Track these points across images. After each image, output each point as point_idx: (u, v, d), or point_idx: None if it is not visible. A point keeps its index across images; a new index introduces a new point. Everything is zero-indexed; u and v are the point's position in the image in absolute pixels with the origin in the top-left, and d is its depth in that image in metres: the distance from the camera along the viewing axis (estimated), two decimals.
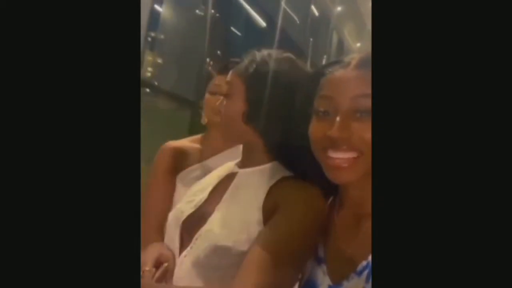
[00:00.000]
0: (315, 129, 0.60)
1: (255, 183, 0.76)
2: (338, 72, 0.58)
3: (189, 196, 0.84)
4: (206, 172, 0.98)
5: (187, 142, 1.22)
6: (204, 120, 1.20)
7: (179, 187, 1.13)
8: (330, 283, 0.58)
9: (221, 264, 0.69)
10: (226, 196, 0.78)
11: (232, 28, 4.67)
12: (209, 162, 1.14)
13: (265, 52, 0.80)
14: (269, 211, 0.69)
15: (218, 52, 3.74)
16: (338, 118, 0.55)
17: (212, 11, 3.48)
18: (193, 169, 1.15)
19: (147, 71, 3.00)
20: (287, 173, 0.75)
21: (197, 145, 1.21)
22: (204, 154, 1.17)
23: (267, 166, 0.78)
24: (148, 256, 0.71)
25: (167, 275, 0.72)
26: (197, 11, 3.51)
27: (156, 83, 3.17)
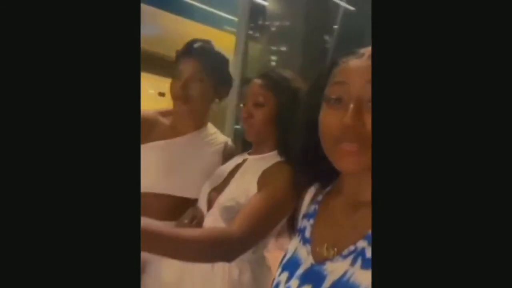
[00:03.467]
0: (327, 117, 0.58)
1: (257, 166, 1.10)
2: (352, 61, 0.58)
3: (214, 175, 1.20)
4: (169, 148, 1.25)
5: (159, 115, 1.32)
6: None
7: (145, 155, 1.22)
8: (313, 262, 0.60)
9: (229, 217, 1.04)
10: (236, 175, 1.14)
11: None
12: (176, 140, 1.28)
13: (284, 72, 1.14)
14: (260, 185, 1.04)
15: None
16: (352, 105, 0.54)
17: None
18: (160, 144, 1.26)
19: (271, 60, 3.12)
20: (281, 159, 1.08)
21: (166, 121, 1.32)
22: (171, 132, 1.29)
23: (268, 154, 1.13)
24: (186, 214, 1.16)
25: (197, 226, 1.12)
26: None
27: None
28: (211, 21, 5.15)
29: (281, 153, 1.10)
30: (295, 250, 0.66)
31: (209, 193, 1.17)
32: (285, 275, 0.63)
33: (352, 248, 0.56)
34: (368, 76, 0.54)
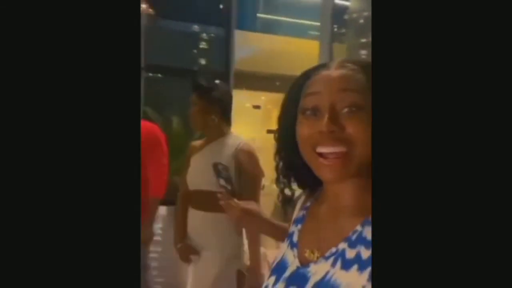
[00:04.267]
0: (303, 128, 0.61)
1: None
2: (323, 72, 0.61)
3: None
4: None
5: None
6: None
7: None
8: (299, 265, 0.63)
9: None
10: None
11: None
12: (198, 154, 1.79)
13: None
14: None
15: None
16: (327, 114, 0.57)
17: None
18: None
19: (362, 55, 3.30)
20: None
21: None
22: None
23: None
24: None
25: None
26: None
27: None
28: (295, 32, 5.58)
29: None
30: (283, 254, 0.69)
31: None
32: (272, 278, 0.66)
33: (333, 250, 0.60)
34: (340, 84, 0.58)
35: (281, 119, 0.68)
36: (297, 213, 0.74)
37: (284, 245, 0.71)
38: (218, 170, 1.18)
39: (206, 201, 1.53)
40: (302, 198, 0.75)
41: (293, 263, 0.65)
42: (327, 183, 0.64)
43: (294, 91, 0.65)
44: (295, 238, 0.69)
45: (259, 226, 1.15)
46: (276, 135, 0.70)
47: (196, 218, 1.65)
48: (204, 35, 4.75)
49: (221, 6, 4.63)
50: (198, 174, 1.61)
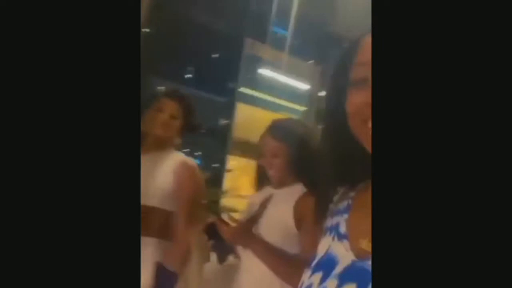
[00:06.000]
0: (353, 100, 0.55)
1: (287, 198, 1.27)
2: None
3: (247, 207, 1.40)
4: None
5: None
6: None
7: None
8: (354, 258, 0.55)
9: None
10: (269, 208, 1.28)
11: None
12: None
13: (289, 120, 1.43)
14: (297, 215, 1.22)
15: None
16: None
17: None
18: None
19: None
20: (306, 189, 1.26)
21: None
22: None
23: (293, 186, 1.30)
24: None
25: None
26: None
27: None
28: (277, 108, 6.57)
29: (305, 185, 1.28)
30: (328, 249, 0.61)
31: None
32: (318, 275, 0.58)
33: None
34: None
35: (329, 93, 0.63)
36: (335, 205, 0.67)
37: (325, 239, 0.64)
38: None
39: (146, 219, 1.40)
40: (341, 191, 0.68)
41: (345, 257, 0.56)
42: None
43: (344, 60, 0.59)
44: (342, 229, 0.61)
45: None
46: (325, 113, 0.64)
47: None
48: None
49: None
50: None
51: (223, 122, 6.32)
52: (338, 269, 0.55)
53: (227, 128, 6.08)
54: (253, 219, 1.27)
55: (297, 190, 1.29)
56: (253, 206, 1.35)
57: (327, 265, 0.58)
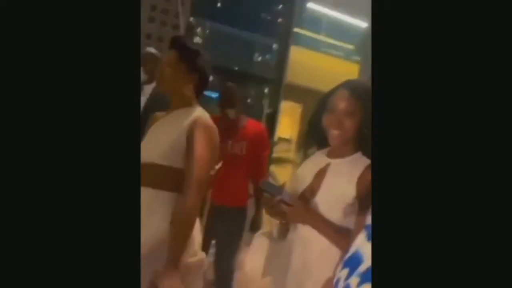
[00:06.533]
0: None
1: (348, 170, 1.13)
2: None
3: (296, 179, 1.26)
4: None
5: None
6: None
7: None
8: None
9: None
10: (326, 180, 1.16)
11: None
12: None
13: (363, 81, 1.24)
14: (360, 191, 1.08)
15: None
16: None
17: None
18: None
19: None
20: (367, 161, 1.12)
21: None
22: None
23: (353, 157, 1.16)
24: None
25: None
26: None
27: None
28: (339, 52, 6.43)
29: (367, 155, 1.15)
30: (358, 246, 0.63)
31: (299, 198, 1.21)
32: (345, 271, 0.61)
33: None
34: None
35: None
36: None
37: (361, 236, 0.65)
38: (266, 190, 1.17)
39: (158, 177, 1.31)
40: None
41: (369, 258, 0.58)
42: None
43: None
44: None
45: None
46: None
47: (145, 196, 1.27)
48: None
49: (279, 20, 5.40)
50: (152, 146, 1.33)
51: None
52: (361, 268, 0.58)
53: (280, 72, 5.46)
54: (310, 194, 1.15)
55: (361, 161, 1.14)
56: (306, 178, 1.21)
57: (354, 262, 0.61)
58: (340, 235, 1.07)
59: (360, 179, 1.10)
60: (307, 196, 1.16)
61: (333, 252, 1.06)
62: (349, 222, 1.09)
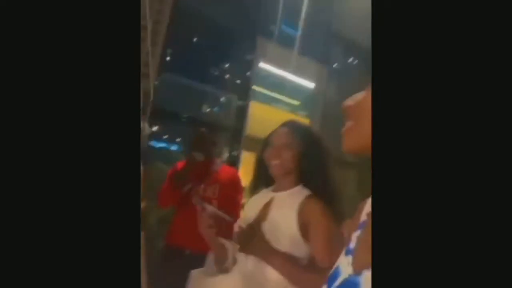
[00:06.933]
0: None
1: (290, 202, 1.23)
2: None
3: (245, 213, 1.34)
4: None
5: None
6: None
7: None
8: (351, 273, 0.59)
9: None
10: (272, 212, 1.24)
11: None
12: None
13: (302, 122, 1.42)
14: (302, 220, 1.18)
15: None
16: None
17: None
18: None
19: None
20: (308, 192, 1.23)
21: None
22: None
23: (294, 189, 1.27)
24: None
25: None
26: None
27: None
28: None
29: (307, 187, 1.26)
30: (338, 262, 0.65)
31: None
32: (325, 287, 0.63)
33: None
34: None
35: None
36: (359, 219, 0.70)
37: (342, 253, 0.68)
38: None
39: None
40: (368, 203, 0.70)
41: (346, 271, 0.60)
42: None
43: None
44: (352, 245, 0.64)
45: None
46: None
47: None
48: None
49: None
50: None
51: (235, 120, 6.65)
52: (337, 282, 0.60)
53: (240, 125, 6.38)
54: (257, 225, 1.22)
55: (302, 192, 1.24)
56: (252, 212, 1.29)
57: (333, 277, 0.62)
58: (289, 264, 1.14)
59: (300, 206, 1.20)
60: (254, 227, 1.22)
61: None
62: (298, 251, 1.16)
